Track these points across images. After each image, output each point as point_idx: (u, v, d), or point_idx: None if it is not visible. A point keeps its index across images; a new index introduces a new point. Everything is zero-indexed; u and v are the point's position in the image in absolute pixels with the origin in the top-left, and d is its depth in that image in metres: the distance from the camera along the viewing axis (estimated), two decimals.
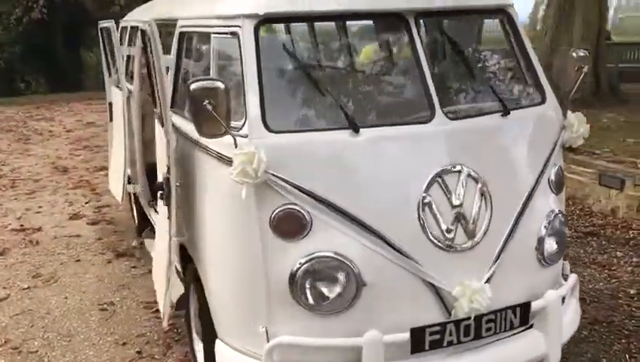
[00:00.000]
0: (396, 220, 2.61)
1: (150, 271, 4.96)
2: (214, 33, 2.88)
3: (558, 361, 2.89)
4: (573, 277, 3.11)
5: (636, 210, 5.85)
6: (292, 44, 3.31)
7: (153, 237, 5.01)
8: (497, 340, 2.77)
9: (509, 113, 2.86)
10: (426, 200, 2.62)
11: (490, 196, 2.72)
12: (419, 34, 2.78)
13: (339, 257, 2.56)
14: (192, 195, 3.02)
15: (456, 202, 2.65)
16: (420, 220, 2.62)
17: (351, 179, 2.61)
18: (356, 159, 2.62)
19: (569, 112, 3.07)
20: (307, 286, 2.57)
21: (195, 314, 3.45)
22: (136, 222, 5.85)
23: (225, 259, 2.80)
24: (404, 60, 2.99)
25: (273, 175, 2.54)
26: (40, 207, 6.93)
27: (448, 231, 2.65)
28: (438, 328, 2.63)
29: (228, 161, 2.64)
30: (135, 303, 4.50)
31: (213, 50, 2.87)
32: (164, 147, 2.96)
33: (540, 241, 2.89)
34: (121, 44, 5.32)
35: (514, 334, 2.82)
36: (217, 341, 2.90)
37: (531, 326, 2.86)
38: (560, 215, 2.97)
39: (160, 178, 3.12)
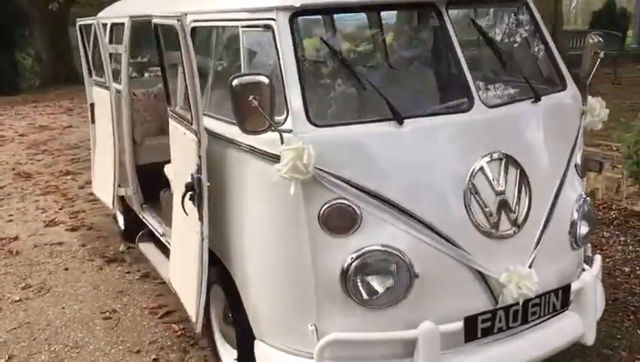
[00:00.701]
0: (444, 209, 2.61)
1: (146, 276, 4.85)
2: (244, 27, 2.79)
3: (593, 341, 2.95)
4: (598, 258, 3.19)
5: (615, 191, 6.05)
6: (326, 36, 3.25)
7: (148, 241, 4.91)
8: (541, 323, 2.81)
9: (540, 99, 2.90)
10: (471, 188, 2.62)
11: (528, 182, 2.75)
12: (451, 22, 2.78)
13: (390, 250, 2.53)
14: (222, 195, 2.94)
15: (499, 189, 2.67)
16: (466, 208, 2.62)
17: (396, 170, 2.59)
18: (401, 150, 2.61)
19: (590, 97, 3.14)
20: (360, 280, 2.54)
21: (219, 317, 3.37)
22: (122, 226, 5.67)
23: (268, 257, 2.73)
24: (438, 49, 2.98)
25: (321, 170, 2.49)
26: (10, 215, 6.62)
27: (493, 218, 2.66)
28: (489, 315, 2.64)
29: (271, 158, 2.58)
30: (139, 309, 4.36)
31: (243, 45, 2.79)
32: (194, 146, 2.86)
33: (573, 225, 2.94)
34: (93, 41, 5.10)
35: (553, 317, 2.87)
36: (257, 342, 2.84)
37: (566, 308, 2.91)
38: (587, 198, 3.03)
39: (186, 178, 3.02)
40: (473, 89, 2.71)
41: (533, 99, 2.89)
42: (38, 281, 4.90)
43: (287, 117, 2.56)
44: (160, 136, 5.25)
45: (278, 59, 2.63)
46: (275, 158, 2.54)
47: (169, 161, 4.95)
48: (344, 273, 2.54)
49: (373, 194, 2.53)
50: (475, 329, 2.63)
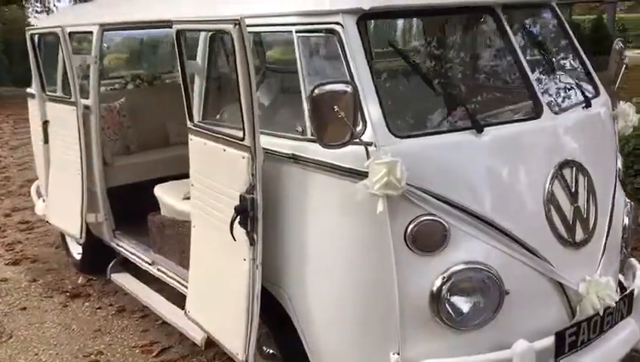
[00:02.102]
0: (527, 221, 2.50)
1: (122, 310, 4.40)
2: (300, 32, 2.55)
3: None
4: (636, 262, 3.20)
5: None
6: (389, 41, 3.04)
7: (122, 271, 4.46)
8: (610, 332, 2.76)
9: (590, 105, 2.87)
10: (550, 198, 2.53)
11: (594, 188, 2.71)
12: (510, 27, 2.69)
13: (481, 267, 2.39)
14: (273, 216, 2.66)
15: (574, 197, 2.60)
16: (547, 218, 2.53)
17: (478, 181, 2.46)
18: (482, 160, 2.47)
19: (621, 102, 3.16)
20: (451, 301, 2.37)
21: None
22: (77, 256, 5.13)
23: (343, 282, 2.49)
24: (497, 54, 2.88)
25: (407, 184, 2.30)
26: None
27: (570, 227, 2.59)
28: (574, 329, 2.55)
29: (350, 174, 2.35)
30: (127, 349, 3.91)
31: (299, 52, 2.54)
32: (243, 164, 2.56)
33: (625, 230, 2.93)
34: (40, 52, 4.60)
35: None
36: None
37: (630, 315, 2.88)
38: (632, 203, 3.05)
39: (225, 201, 2.71)
40: (539, 95, 2.64)
41: (584, 105, 2.86)
42: None
43: (365, 129, 2.35)
44: (128, 156, 4.82)
45: (347, 66, 2.42)
46: (356, 174, 2.33)
47: (143, 183, 4.61)
48: (434, 294, 2.36)
49: (460, 207, 2.37)
50: (563, 344, 2.53)
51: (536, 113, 2.62)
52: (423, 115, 2.59)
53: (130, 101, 4.97)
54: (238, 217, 2.60)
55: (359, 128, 2.35)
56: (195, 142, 2.98)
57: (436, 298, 2.36)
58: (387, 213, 2.31)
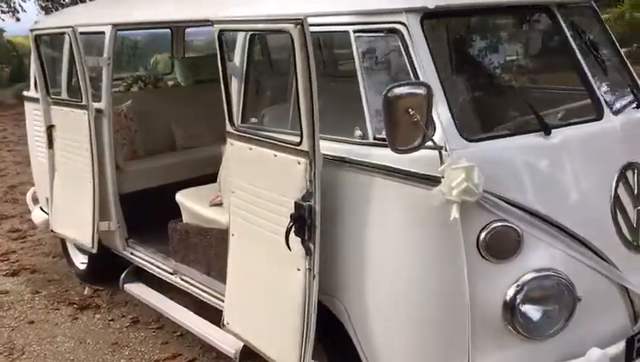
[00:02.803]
0: (596, 225, 2.45)
1: (136, 321, 4.23)
2: (357, 32, 2.44)
3: None
4: None
5: None
6: (451, 41, 2.94)
7: (135, 281, 4.29)
8: None
9: None
10: (616, 201, 2.48)
11: None
12: (567, 26, 2.63)
13: (555, 273, 2.32)
14: (329, 224, 2.54)
15: (637, 199, 2.55)
16: (614, 222, 2.47)
17: (547, 185, 2.39)
18: (550, 163, 2.41)
19: None
20: (525, 310, 2.29)
21: None
22: (82, 266, 4.93)
23: (409, 292, 2.39)
24: (556, 54, 2.81)
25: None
26: None
27: (634, 230, 2.54)
28: None
29: (420, 180, 2.26)
30: None
31: (357, 52, 2.43)
32: (299, 170, 2.45)
33: None
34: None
35: None
36: None
37: None
38: None
39: (274, 208, 2.59)
40: (599, 95, 2.58)
41: (635, 105, 2.82)
42: (3, 341, 4.08)
43: (434, 132, 2.26)
44: (139, 161, 4.65)
45: (412, 67, 2.32)
46: (425, 180, 2.24)
47: (154, 189, 4.45)
48: (508, 303, 2.28)
49: (533, 213, 2.30)
50: (632, 350, 2.48)
51: (597, 114, 2.57)
52: (489, 117, 2.51)
53: (137, 104, 4.79)
54: (294, 226, 2.48)
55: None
56: (236, 148, 2.85)
57: (510, 307, 2.28)
58: (459, 220, 2.22)
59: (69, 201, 4.41)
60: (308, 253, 2.50)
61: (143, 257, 4.10)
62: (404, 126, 2.12)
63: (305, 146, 2.42)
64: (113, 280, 4.70)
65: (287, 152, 2.54)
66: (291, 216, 2.48)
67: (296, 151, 2.48)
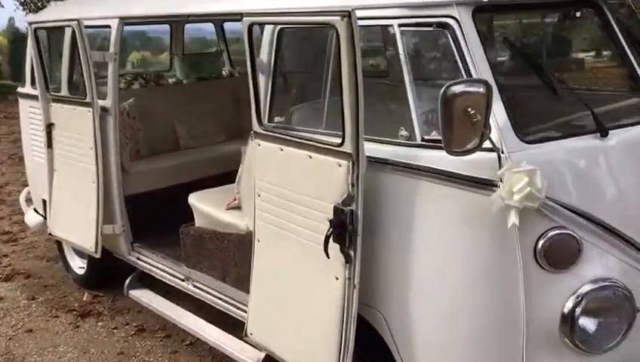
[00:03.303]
0: None
1: (142, 330, 4.04)
2: (403, 25, 2.29)
3: None
4: None
5: None
6: (499, 38, 2.79)
7: (141, 287, 4.10)
8: None
9: None
10: None
11: None
12: (615, 22, 2.51)
13: (615, 284, 2.19)
14: (372, 230, 2.39)
15: None
16: None
17: (606, 190, 2.27)
18: (608, 166, 2.28)
19: None
20: (584, 322, 2.16)
21: None
22: (80, 272, 4.72)
23: (455, 303, 2.24)
24: (605, 51, 2.69)
25: None
26: None
27: None
28: None
29: (475, 183, 2.12)
30: None
31: (403, 48, 2.28)
32: (339, 172, 2.29)
33: None
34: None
35: None
36: None
37: None
38: None
39: (309, 213, 2.44)
40: None
41: None
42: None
43: (489, 133, 2.11)
44: (143, 161, 4.45)
45: (464, 64, 2.18)
46: (480, 184, 2.10)
47: (159, 190, 4.26)
48: (566, 315, 2.15)
49: (592, 219, 2.17)
50: None
51: None
52: (543, 118, 2.37)
53: (139, 102, 4.59)
54: (334, 232, 2.32)
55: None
56: (265, 149, 2.68)
57: (568, 319, 2.15)
58: (516, 227, 2.08)
59: (70, 203, 4.20)
60: (348, 260, 2.34)
61: (150, 262, 3.91)
62: (462, 126, 1.98)
63: (347, 148, 2.26)
64: (113, 285, 4.54)
65: (326, 154, 2.38)
66: (331, 221, 2.33)
67: (336, 153, 2.32)
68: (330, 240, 2.34)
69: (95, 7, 4.01)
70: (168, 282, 3.77)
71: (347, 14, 2.10)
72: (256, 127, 2.71)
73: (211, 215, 3.43)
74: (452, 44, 2.20)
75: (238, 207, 3.33)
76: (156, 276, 3.87)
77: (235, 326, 3.24)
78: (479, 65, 2.17)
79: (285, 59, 2.77)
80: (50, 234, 4.46)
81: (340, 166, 2.32)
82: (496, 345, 2.22)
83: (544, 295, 2.16)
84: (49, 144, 4.31)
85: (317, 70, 2.70)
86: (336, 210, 2.32)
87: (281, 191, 2.63)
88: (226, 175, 4.29)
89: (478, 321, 2.22)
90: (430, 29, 2.26)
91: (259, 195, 2.77)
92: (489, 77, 2.15)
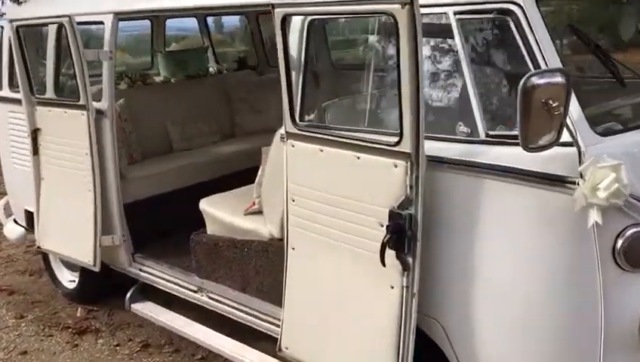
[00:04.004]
0: None
1: (147, 346, 3.80)
2: (459, 13, 2.12)
3: None
4: None
5: None
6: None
7: (143, 300, 3.85)
8: None
9: None
10: None
11: None
12: None
13: None
14: (430, 234, 2.22)
15: None
16: None
17: None
18: None
19: None
20: None
21: None
22: (70, 286, 4.44)
23: (525, 308, 2.10)
24: None
25: None
26: None
27: None
28: None
29: (550, 181, 1.98)
30: None
31: (461, 38, 2.12)
32: (396, 174, 2.12)
33: None
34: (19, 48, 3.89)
35: None
36: None
37: None
38: None
39: (352, 218, 2.26)
40: None
41: None
42: None
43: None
44: (138, 166, 4.19)
45: (530, 53, 2.03)
46: (559, 181, 1.96)
47: (157, 197, 4.00)
48: None
49: None
50: None
51: None
52: (612, 108, 2.25)
53: (128, 103, 4.32)
54: (391, 238, 2.15)
55: None
56: (300, 150, 2.49)
57: None
58: (594, 226, 1.95)
59: (62, 214, 3.91)
60: (405, 268, 2.18)
61: (154, 274, 3.67)
62: (541, 119, 1.83)
63: (406, 147, 2.09)
64: (108, 298, 4.28)
65: (378, 154, 2.20)
66: (387, 227, 2.15)
67: (391, 153, 2.15)
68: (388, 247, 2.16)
69: (84, 2, 3.72)
70: (177, 294, 3.53)
71: (409, 1, 1.93)
72: (289, 126, 2.51)
73: (227, 221, 3.21)
74: (515, 32, 2.05)
75: (257, 212, 3.13)
76: (162, 288, 3.63)
77: (249, 336, 3.12)
78: (547, 54, 2.02)
79: (317, 51, 2.58)
80: (38, 247, 4.16)
81: (396, 167, 2.15)
82: (572, 349, 2.09)
83: (623, 296, 2.03)
84: (35, 151, 4.01)
85: (353, 62, 2.52)
86: (392, 214, 2.15)
87: (321, 195, 2.44)
88: (228, 177, 4.11)
89: (554, 331, 2.08)
90: (490, 16, 2.11)
91: (292, 200, 2.58)
92: (558, 66, 2.01)
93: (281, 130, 2.65)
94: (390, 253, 2.18)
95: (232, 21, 7.70)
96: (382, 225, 2.21)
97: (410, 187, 2.12)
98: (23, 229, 4.69)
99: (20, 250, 5.40)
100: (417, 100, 2.02)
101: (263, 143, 4.62)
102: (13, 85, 4.40)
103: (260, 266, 3.03)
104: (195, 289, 3.40)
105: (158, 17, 5.28)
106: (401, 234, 2.14)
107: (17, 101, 4.17)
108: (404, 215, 2.13)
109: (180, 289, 3.50)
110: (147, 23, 5.34)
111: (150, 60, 5.55)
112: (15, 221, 4.79)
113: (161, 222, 3.90)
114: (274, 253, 2.94)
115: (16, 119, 4.29)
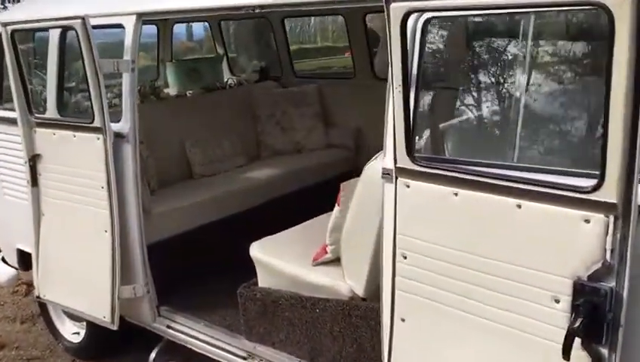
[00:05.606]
0: None
1: None
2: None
3: None
4: None
5: None
6: None
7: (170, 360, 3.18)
8: None
9: None
10: None
11: None
12: None
13: None
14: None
15: None
16: None
17: None
18: None
19: None
20: None
21: None
22: (74, 339, 3.74)
23: None
24: None
25: None
26: None
27: None
28: None
29: None
30: None
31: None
32: (595, 232, 1.51)
33: None
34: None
35: None
36: None
37: None
38: None
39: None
40: None
41: None
42: None
43: None
44: (157, 198, 3.50)
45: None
46: None
47: (181, 235, 3.34)
48: None
49: None
50: None
51: None
52: None
53: (143, 122, 3.63)
54: (581, 323, 1.53)
55: None
56: (420, 192, 1.86)
57: None
58: None
59: (68, 258, 3.21)
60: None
61: (187, 332, 3.00)
62: None
63: (609, 195, 1.48)
64: (118, 353, 3.60)
65: (555, 203, 1.58)
66: (576, 307, 1.54)
67: (581, 202, 1.54)
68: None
69: (99, 2, 3.03)
70: (218, 359, 2.87)
71: None
72: (403, 160, 1.87)
73: (290, 273, 2.56)
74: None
75: (329, 262, 2.50)
76: (198, 350, 2.96)
77: None
78: None
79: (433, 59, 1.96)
80: (37, 297, 3.45)
81: (587, 222, 1.53)
82: None
83: None
84: (33, 182, 3.30)
85: (482, 74, 1.90)
86: (581, 288, 1.54)
87: (453, 253, 1.81)
88: (261, 208, 3.50)
89: None
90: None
91: (404, 257, 1.94)
92: None
93: (377, 163, 2.04)
94: (575, 342, 1.56)
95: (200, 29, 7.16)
96: (557, 301, 1.60)
97: (612, 251, 1.51)
98: (13, 270, 4.00)
99: (6, 291, 4.67)
100: (636, 127, 1.41)
101: (295, 167, 4.06)
102: (1, 102, 3.71)
103: (339, 332, 2.39)
104: (245, 355, 2.74)
105: (166, 22, 4.63)
106: (597, 318, 1.53)
107: (8, 120, 3.49)
108: (603, 290, 1.52)
109: (222, 353, 2.84)
110: (148, 29, 4.69)
111: (156, 70, 4.88)
112: (4, 260, 4.08)
113: (189, 265, 3.25)
114: (359, 316, 2.31)
115: (8, 142, 3.60)
